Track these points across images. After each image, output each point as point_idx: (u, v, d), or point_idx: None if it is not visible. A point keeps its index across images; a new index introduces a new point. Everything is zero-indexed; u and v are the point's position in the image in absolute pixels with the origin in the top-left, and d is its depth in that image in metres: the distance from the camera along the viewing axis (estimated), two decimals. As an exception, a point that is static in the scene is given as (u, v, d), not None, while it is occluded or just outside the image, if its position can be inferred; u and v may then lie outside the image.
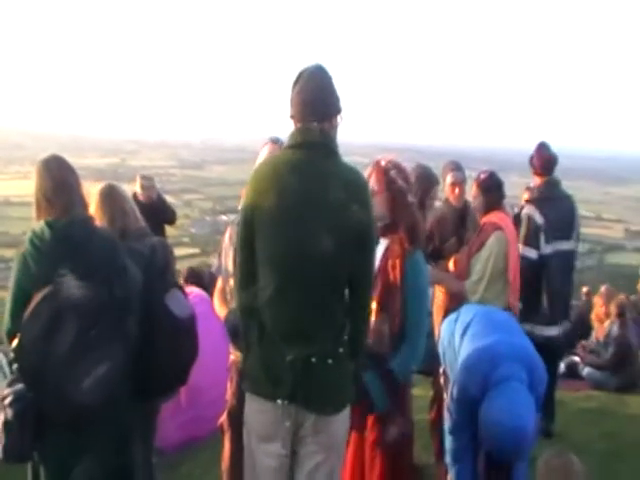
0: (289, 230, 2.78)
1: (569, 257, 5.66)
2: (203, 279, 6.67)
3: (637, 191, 77.11)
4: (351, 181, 2.83)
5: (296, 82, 2.90)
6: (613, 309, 8.18)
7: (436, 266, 5.11)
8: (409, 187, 3.56)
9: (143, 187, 8.51)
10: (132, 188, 8.02)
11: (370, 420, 3.60)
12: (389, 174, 3.52)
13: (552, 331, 5.48)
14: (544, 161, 5.71)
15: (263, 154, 3.80)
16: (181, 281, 6.20)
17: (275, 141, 3.82)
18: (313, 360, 2.80)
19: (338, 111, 2.92)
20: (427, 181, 4.66)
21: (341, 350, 2.86)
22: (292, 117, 2.91)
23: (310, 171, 2.81)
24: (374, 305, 3.48)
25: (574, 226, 5.70)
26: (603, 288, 9.07)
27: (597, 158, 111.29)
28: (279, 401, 2.86)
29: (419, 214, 3.69)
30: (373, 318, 3.46)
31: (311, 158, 2.83)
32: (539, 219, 5.49)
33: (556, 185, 5.75)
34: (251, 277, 2.90)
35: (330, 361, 2.82)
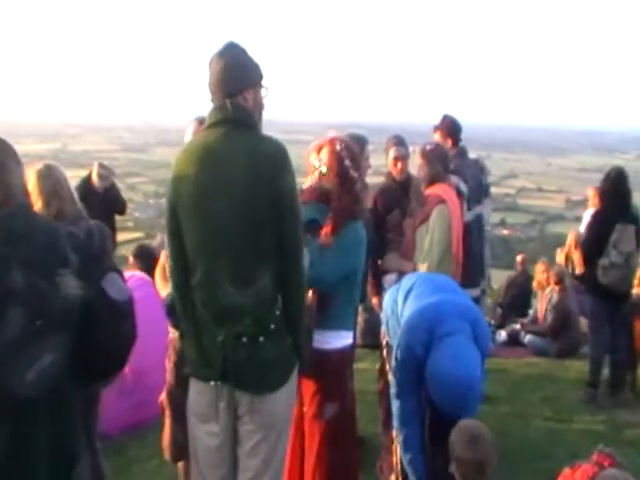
0: (209, 211, 2.78)
1: (481, 219, 5.87)
2: (153, 255, 6.62)
3: (577, 161, 78.68)
4: (269, 152, 2.81)
5: (209, 65, 2.87)
6: (552, 277, 8.39)
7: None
8: (357, 165, 3.57)
9: (100, 176, 8.49)
10: (75, 174, 7.95)
11: (308, 394, 3.61)
12: (344, 163, 3.53)
13: (475, 292, 5.60)
14: (449, 127, 5.94)
15: (188, 134, 3.77)
16: (130, 259, 6.20)
17: (200, 121, 3.79)
18: (244, 340, 2.81)
19: (252, 84, 2.88)
20: (358, 143, 4.64)
21: (273, 327, 2.85)
22: (211, 100, 2.89)
23: (226, 149, 2.79)
24: None
25: (483, 189, 5.93)
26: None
27: (538, 130, 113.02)
28: (212, 382, 2.89)
29: (364, 192, 3.71)
30: None
31: (227, 135, 2.81)
32: (464, 188, 5.62)
33: (466, 152, 6.01)
34: (182, 263, 2.92)
35: (262, 339, 2.82)
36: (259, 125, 2.92)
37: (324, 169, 3.55)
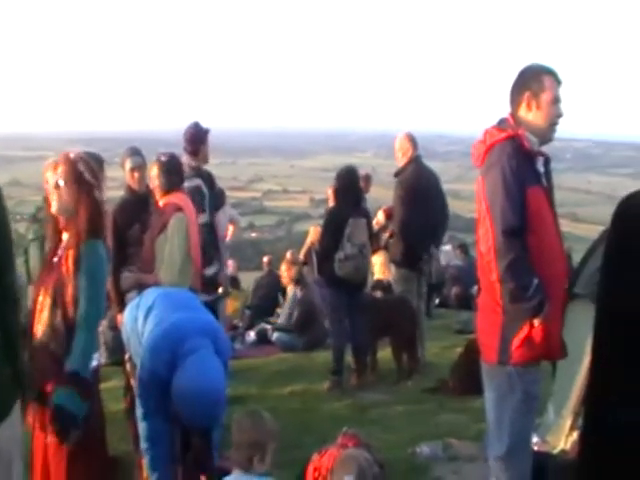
0: None
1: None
2: None
3: (319, 162, 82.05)
4: None
5: None
6: (292, 275, 8.70)
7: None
8: (97, 182, 3.54)
9: None
10: None
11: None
12: (77, 167, 3.46)
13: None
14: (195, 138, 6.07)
15: None
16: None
17: None
18: None
19: None
20: (95, 162, 4.56)
21: None
22: None
23: None
24: (47, 300, 3.41)
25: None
26: (288, 254, 9.62)
27: (283, 135, 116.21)
28: None
29: (104, 207, 3.68)
30: (46, 313, 3.40)
31: None
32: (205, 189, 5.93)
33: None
34: None
35: None
36: None
37: (61, 182, 3.47)
